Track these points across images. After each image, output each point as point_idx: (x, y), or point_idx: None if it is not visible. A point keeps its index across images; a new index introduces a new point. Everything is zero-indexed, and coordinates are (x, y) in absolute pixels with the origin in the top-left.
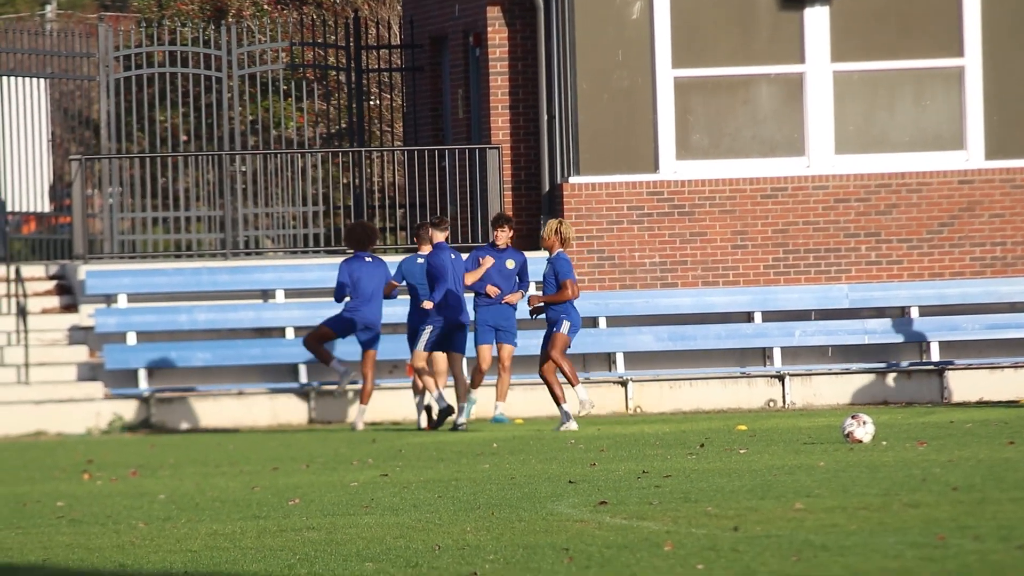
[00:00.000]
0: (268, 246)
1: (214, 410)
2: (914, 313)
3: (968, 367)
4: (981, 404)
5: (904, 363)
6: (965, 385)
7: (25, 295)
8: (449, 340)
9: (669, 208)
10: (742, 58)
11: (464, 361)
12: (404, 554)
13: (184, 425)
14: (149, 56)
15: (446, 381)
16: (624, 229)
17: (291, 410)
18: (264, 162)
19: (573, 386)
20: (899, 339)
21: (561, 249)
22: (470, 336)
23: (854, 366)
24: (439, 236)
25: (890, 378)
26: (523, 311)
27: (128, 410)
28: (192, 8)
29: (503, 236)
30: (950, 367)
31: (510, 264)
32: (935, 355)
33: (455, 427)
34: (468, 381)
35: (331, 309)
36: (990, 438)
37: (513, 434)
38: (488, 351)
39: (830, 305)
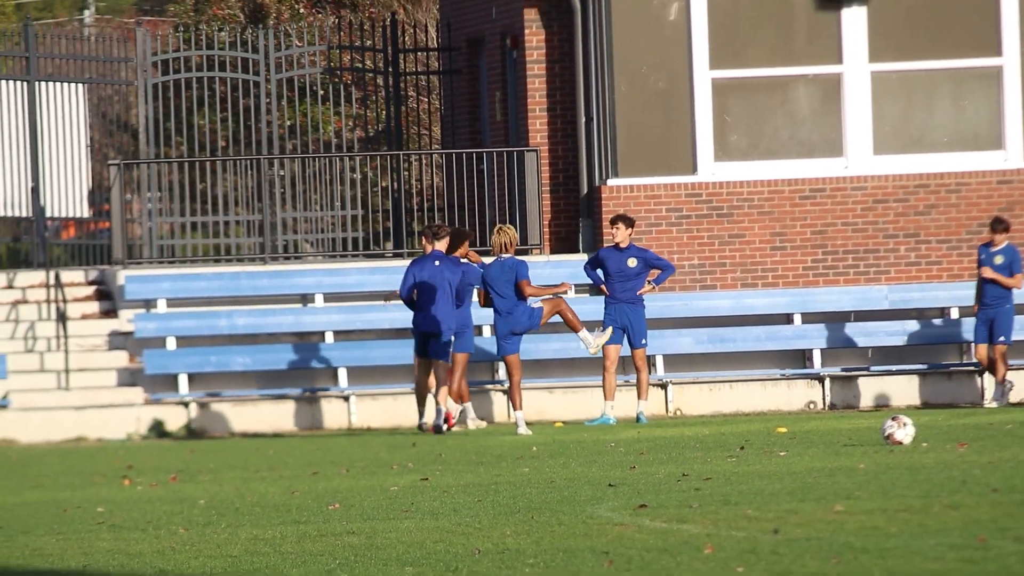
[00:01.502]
0: (307, 250)
1: (254, 415)
2: (954, 314)
3: (1009, 368)
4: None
5: (944, 364)
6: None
7: (65, 300)
8: (425, 347)
9: (707, 210)
10: (780, 59)
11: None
12: (444, 558)
13: (224, 430)
14: (187, 60)
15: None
16: (663, 231)
17: (331, 414)
18: (302, 166)
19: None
20: (939, 340)
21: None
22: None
23: (894, 367)
24: (438, 245)
25: (930, 379)
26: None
27: (168, 415)
28: (229, 13)
29: (621, 234)
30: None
31: (632, 263)
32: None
33: (436, 429)
34: (453, 388)
35: (369, 312)
36: None
37: (553, 437)
38: (612, 350)
39: (870, 306)
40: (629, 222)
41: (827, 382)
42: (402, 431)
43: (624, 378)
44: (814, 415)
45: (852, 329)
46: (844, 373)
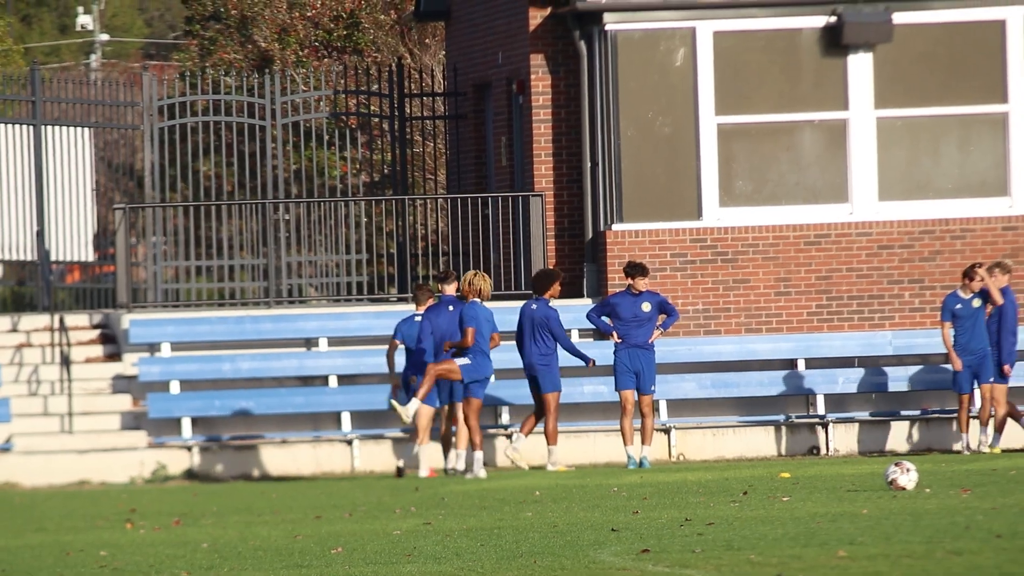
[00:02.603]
0: (311, 294)
1: (257, 459)
2: None
3: (942, 415)
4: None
5: (949, 410)
6: (1010, 432)
7: (69, 344)
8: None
9: (712, 255)
10: (785, 105)
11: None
12: None
13: (227, 473)
14: (193, 105)
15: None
16: (667, 276)
17: (334, 458)
18: (307, 210)
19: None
20: (944, 386)
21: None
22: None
23: (898, 413)
24: (447, 289)
25: (933, 425)
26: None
27: (171, 459)
28: (235, 58)
29: (643, 284)
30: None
31: (646, 308)
32: (978, 403)
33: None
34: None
35: (373, 356)
36: None
37: (556, 482)
38: (630, 395)
39: (874, 352)
40: (647, 272)
41: (831, 427)
42: (405, 475)
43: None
44: (817, 460)
45: (856, 375)
46: (848, 418)
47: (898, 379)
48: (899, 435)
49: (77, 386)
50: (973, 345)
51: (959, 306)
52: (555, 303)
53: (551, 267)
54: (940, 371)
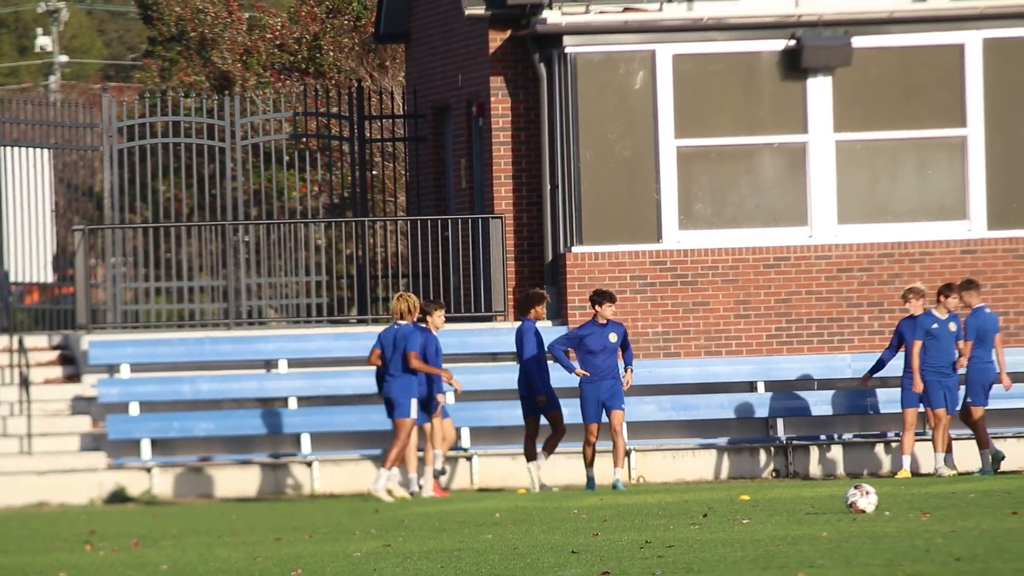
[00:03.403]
0: (271, 316)
1: (217, 480)
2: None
3: (971, 437)
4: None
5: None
6: (969, 454)
7: (28, 365)
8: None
9: (672, 278)
10: (745, 128)
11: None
12: None
13: (187, 495)
14: (152, 127)
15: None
16: (627, 299)
17: (293, 480)
18: (267, 232)
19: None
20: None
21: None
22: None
23: (857, 435)
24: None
25: (894, 447)
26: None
27: (131, 480)
28: (195, 79)
29: (610, 311)
30: (953, 438)
31: (613, 338)
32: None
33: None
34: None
35: (333, 378)
36: (993, 508)
37: (516, 504)
38: (596, 428)
39: (833, 375)
40: (615, 299)
41: (790, 450)
42: (364, 497)
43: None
44: (777, 483)
45: (815, 398)
46: (807, 441)
47: (858, 402)
48: (861, 457)
49: (36, 407)
50: (944, 364)
51: (935, 326)
52: (513, 325)
53: (537, 290)
54: (899, 395)
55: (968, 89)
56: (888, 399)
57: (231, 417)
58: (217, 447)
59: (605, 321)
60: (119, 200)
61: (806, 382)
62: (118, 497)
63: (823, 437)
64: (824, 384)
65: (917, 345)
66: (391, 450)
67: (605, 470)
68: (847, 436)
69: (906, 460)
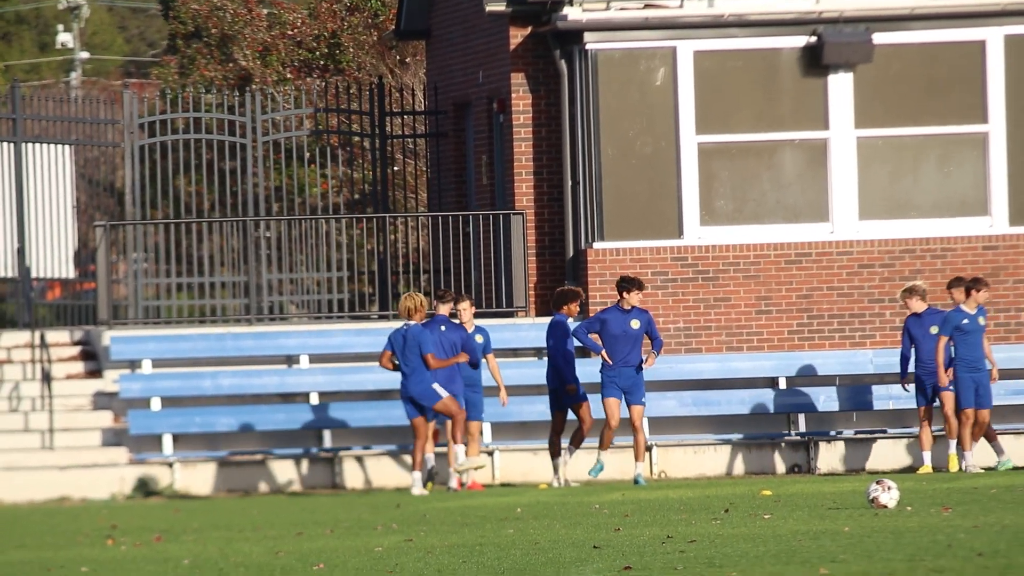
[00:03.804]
0: (292, 312)
1: (238, 475)
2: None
3: (996, 433)
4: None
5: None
6: (990, 450)
7: (50, 361)
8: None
9: (693, 273)
10: (766, 124)
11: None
12: None
13: (208, 490)
14: (173, 123)
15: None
16: (648, 295)
17: (315, 475)
18: (288, 228)
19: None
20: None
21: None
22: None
23: (879, 431)
24: (441, 309)
25: (915, 444)
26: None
27: (152, 475)
28: (216, 76)
29: (636, 299)
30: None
31: (635, 324)
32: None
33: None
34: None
35: (355, 373)
36: (1015, 504)
37: (537, 499)
38: (615, 405)
39: (855, 370)
40: (643, 286)
41: (812, 445)
42: (386, 491)
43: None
44: (799, 478)
45: (837, 393)
46: (829, 437)
47: (880, 397)
48: (881, 453)
49: (58, 402)
50: (975, 360)
51: (965, 321)
52: (535, 321)
53: (573, 287)
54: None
55: (990, 85)
56: (910, 395)
57: (252, 412)
58: (238, 442)
59: (629, 308)
60: (140, 196)
61: (828, 378)
62: (141, 491)
63: (845, 433)
64: (845, 380)
65: (943, 340)
66: (455, 432)
67: (624, 466)
68: (868, 431)
69: (926, 456)
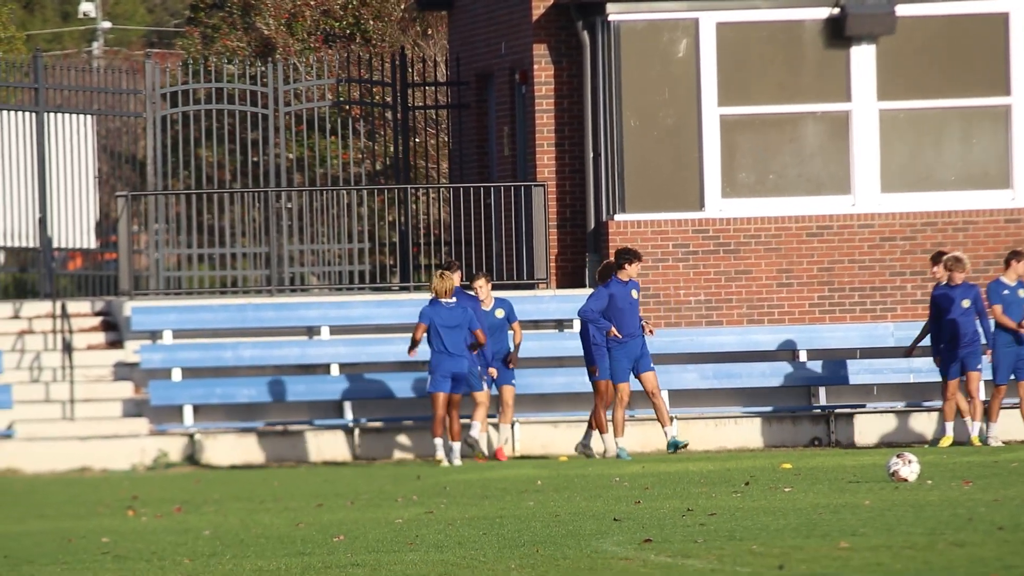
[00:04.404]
0: (313, 283)
1: (259, 446)
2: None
3: (1015, 406)
4: None
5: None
6: (1012, 424)
7: (71, 331)
8: (454, 385)
9: (714, 246)
10: (788, 96)
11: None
12: None
13: (229, 461)
14: (195, 93)
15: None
16: (669, 267)
17: (336, 446)
18: (310, 199)
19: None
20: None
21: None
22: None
23: (899, 404)
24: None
25: (936, 416)
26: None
27: (173, 446)
28: (238, 45)
29: (635, 270)
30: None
31: (635, 294)
32: (982, 394)
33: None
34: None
35: (375, 345)
36: None
37: (558, 471)
38: (628, 387)
39: (875, 343)
40: (641, 258)
41: (832, 418)
42: (406, 463)
43: (629, 413)
44: (819, 451)
45: (858, 366)
46: (850, 410)
47: (900, 370)
48: (902, 426)
49: (79, 373)
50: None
51: (1006, 292)
52: (556, 293)
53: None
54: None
55: (1013, 57)
56: (931, 367)
57: (273, 383)
58: (259, 413)
59: (627, 279)
60: (162, 166)
61: (849, 351)
62: (160, 463)
63: (866, 406)
64: (867, 353)
65: (999, 309)
66: (505, 413)
67: (645, 438)
68: (889, 404)
69: (949, 427)
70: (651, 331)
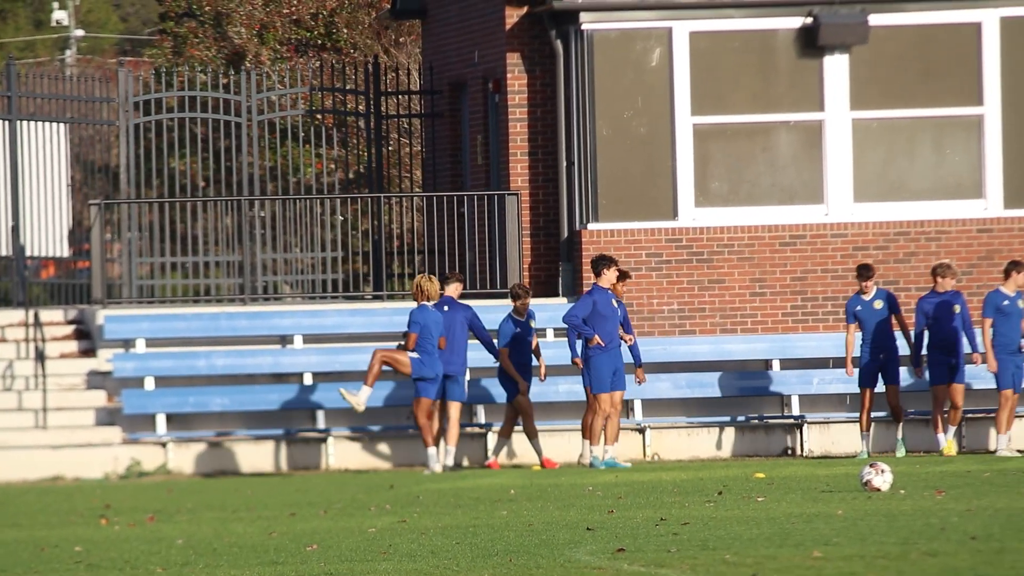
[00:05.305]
0: (286, 291)
1: (231, 455)
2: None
3: (986, 415)
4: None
5: (924, 411)
6: (984, 433)
7: (43, 340)
8: (442, 389)
9: (687, 255)
10: (761, 105)
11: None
12: None
13: (202, 470)
14: (168, 102)
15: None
16: (642, 276)
17: (309, 456)
18: (282, 207)
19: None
20: (919, 388)
21: (423, 303)
22: (550, 386)
23: (872, 414)
24: (448, 290)
25: (910, 426)
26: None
27: (146, 455)
28: (208, 55)
29: (614, 275)
30: (969, 415)
31: (614, 302)
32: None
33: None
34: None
35: (348, 354)
36: (1008, 487)
37: (531, 481)
38: (609, 398)
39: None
40: (615, 262)
41: (805, 428)
42: (379, 472)
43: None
44: (792, 461)
45: (831, 376)
46: (822, 419)
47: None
48: (873, 437)
49: (51, 381)
50: (1013, 342)
51: (1006, 303)
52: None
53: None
54: (914, 373)
55: (985, 67)
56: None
57: (246, 392)
58: (232, 422)
59: (607, 286)
60: (135, 175)
61: (821, 360)
62: (133, 472)
63: (838, 416)
64: (839, 362)
65: (988, 322)
66: (528, 422)
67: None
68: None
69: (941, 437)
70: (629, 340)
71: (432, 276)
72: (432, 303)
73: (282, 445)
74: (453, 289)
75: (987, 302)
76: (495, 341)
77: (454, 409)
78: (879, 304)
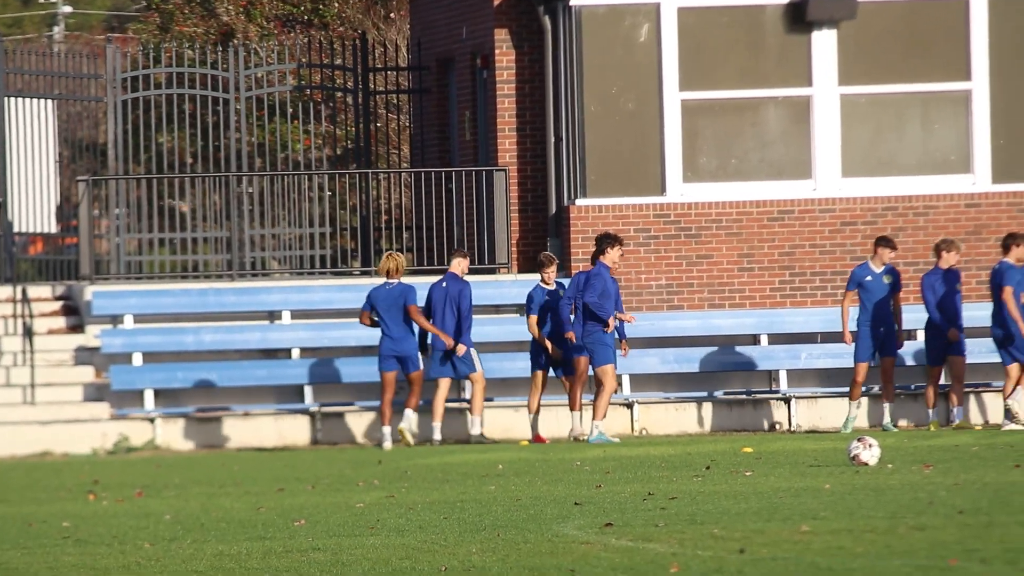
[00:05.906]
0: (274, 267)
1: (220, 431)
2: (920, 336)
3: (975, 390)
4: (990, 427)
5: (910, 386)
6: (973, 407)
7: (31, 315)
8: (452, 366)
9: (676, 231)
10: (749, 81)
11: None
12: (410, 575)
13: (190, 446)
14: (156, 78)
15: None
16: (631, 251)
17: (296, 431)
18: (270, 183)
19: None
20: (907, 362)
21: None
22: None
23: (866, 389)
24: (452, 267)
25: (897, 401)
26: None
27: (134, 431)
28: (196, 31)
29: (614, 254)
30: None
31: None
32: (942, 377)
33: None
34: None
35: (336, 329)
36: (996, 461)
37: (519, 456)
38: (613, 371)
39: (836, 328)
40: (620, 241)
41: (793, 403)
42: (367, 448)
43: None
44: (780, 435)
45: (819, 350)
46: (810, 394)
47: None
48: (861, 411)
49: (39, 357)
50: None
51: (1020, 277)
52: (517, 278)
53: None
54: (909, 347)
55: (973, 43)
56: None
57: (234, 368)
58: (220, 398)
59: (611, 264)
60: (123, 151)
61: (809, 335)
62: (121, 447)
63: (824, 390)
64: (827, 337)
65: (1008, 290)
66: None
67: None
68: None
69: (958, 411)
70: (631, 319)
71: (395, 253)
72: (392, 281)
73: (270, 420)
74: (456, 265)
75: (1002, 274)
76: (524, 312)
77: (476, 383)
78: (888, 279)
